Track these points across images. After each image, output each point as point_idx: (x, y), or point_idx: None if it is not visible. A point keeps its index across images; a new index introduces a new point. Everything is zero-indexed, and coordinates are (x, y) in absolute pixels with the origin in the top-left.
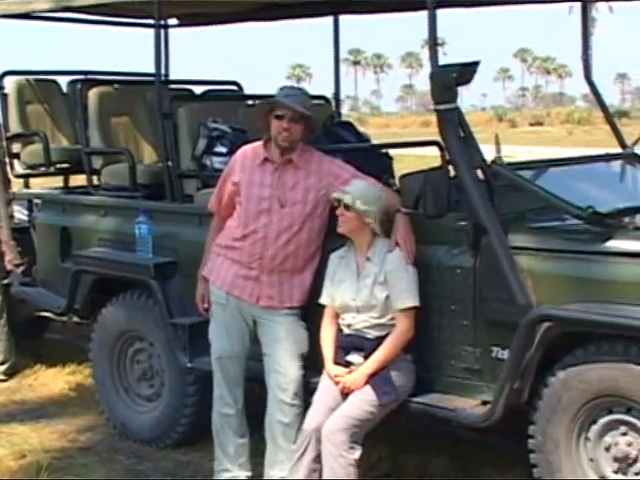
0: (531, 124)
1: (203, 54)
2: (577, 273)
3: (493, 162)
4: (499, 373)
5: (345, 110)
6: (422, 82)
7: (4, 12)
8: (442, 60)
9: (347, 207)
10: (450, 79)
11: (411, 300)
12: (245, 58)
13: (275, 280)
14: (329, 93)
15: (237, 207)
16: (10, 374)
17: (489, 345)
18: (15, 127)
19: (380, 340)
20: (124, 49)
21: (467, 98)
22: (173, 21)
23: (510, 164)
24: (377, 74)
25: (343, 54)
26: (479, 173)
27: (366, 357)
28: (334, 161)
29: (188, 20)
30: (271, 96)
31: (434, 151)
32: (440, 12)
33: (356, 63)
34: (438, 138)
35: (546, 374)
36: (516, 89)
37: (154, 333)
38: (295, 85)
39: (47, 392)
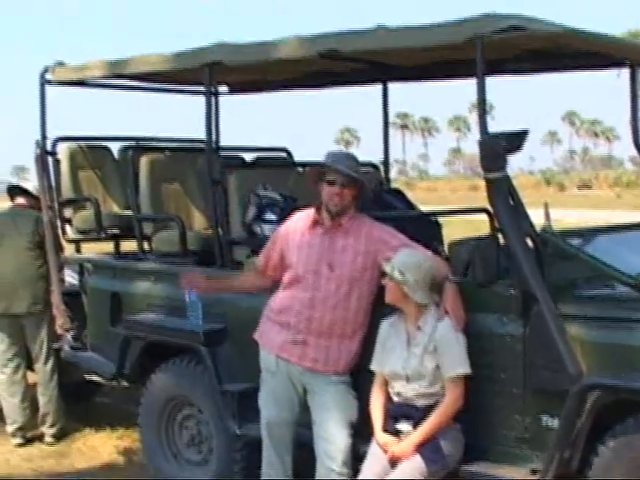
0: (579, 187)
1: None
2: (627, 341)
3: (543, 230)
4: (549, 442)
5: (393, 174)
6: (470, 146)
7: (60, 79)
8: (490, 124)
9: (388, 276)
10: (499, 147)
11: (461, 368)
12: (293, 122)
13: (322, 344)
14: (378, 157)
15: (286, 271)
16: (59, 437)
17: (539, 413)
18: (67, 192)
19: (429, 409)
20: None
21: (515, 161)
22: (224, 88)
23: (560, 232)
24: (425, 138)
25: (391, 118)
26: (528, 241)
27: (415, 426)
28: (384, 227)
29: (238, 87)
30: (321, 163)
31: (482, 215)
32: (488, 78)
33: (404, 127)
34: (487, 205)
35: (596, 443)
36: (564, 152)
37: (203, 399)
38: (343, 150)
39: (96, 456)
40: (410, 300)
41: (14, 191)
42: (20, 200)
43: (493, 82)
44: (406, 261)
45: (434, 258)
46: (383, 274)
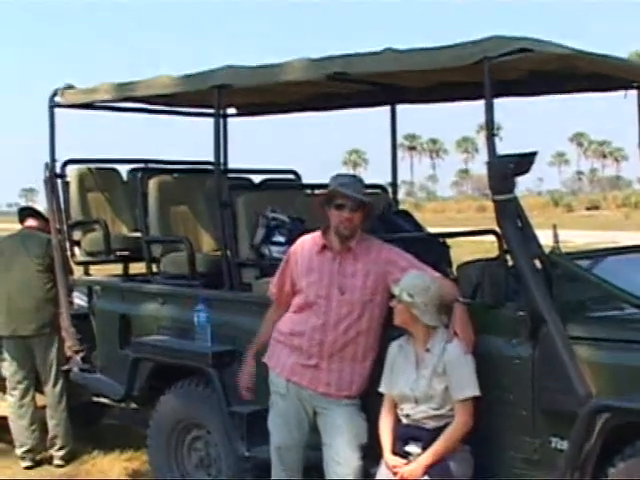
0: (587, 208)
1: (258, 140)
2: (636, 363)
3: (551, 252)
4: (558, 464)
5: (401, 195)
6: (478, 167)
7: (69, 102)
8: (498, 145)
9: (397, 299)
10: (508, 169)
11: (470, 390)
12: (300, 143)
13: (335, 368)
14: (386, 178)
15: (297, 295)
16: (68, 460)
17: (548, 435)
18: (76, 214)
19: (439, 431)
20: (182, 137)
21: (523, 182)
22: (232, 111)
23: (568, 254)
24: (433, 159)
25: (399, 139)
26: (537, 263)
27: (424, 448)
28: (393, 249)
29: (246, 110)
30: (331, 190)
31: (490, 237)
32: (496, 99)
33: (412, 148)
34: (495, 226)
35: (606, 465)
36: (572, 173)
37: (212, 421)
38: (348, 172)
39: (104, 478)
40: (419, 322)
41: (25, 213)
42: (30, 222)
43: (501, 102)
44: (414, 283)
45: (442, 280)
46: (392, 296)
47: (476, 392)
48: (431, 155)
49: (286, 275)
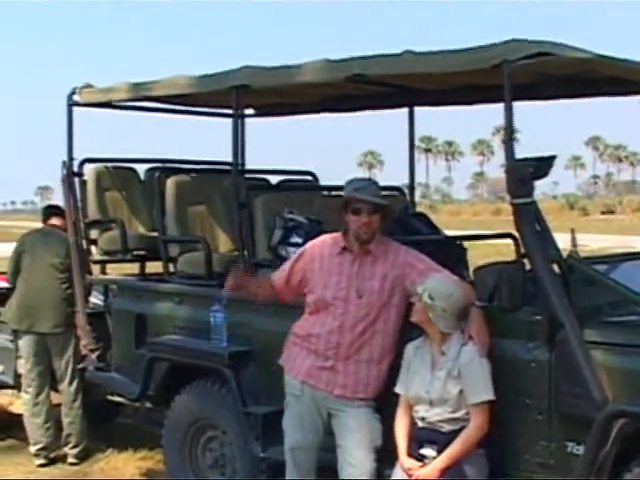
0: (603, 212)
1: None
2: None
3: (569, 256)
4: (574, 469)
5: (416, 197)
6: (493, 170)
7: (86, 101)
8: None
9: (418, 297)
10: (526, 173)
11: (485, 394)
12: (315, 144)
13: (351, 370)
14: (401, 180)
15: (313, 296)
16: (82, 458)
17: (564, 440)
18: (93, 213)
19: (454, 434)
20: (199, 137)
21: (538, 186)
22: (250, 111)
23: (586, 258)
24: (448, 161)
25: (415, 141)
26: (555, 267)
27: (440, 451)
28: (410, 252)
29: (264, 110)
30: (348, 196)
31: (505, 240)
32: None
33: (427, 150)
34: (512, 230)
35: (622, 470)
36: (588, 177)
37: (227, 421)
38: (363, 176)
39: (118, 477)
40: (434, 324)
41: (49, 211)
42: (54, 221)
43: (517, 106)
44: (438, 288)
45: (464, 286)
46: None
47: (491, 396)
48: (446, 157)
49: (297, 269)
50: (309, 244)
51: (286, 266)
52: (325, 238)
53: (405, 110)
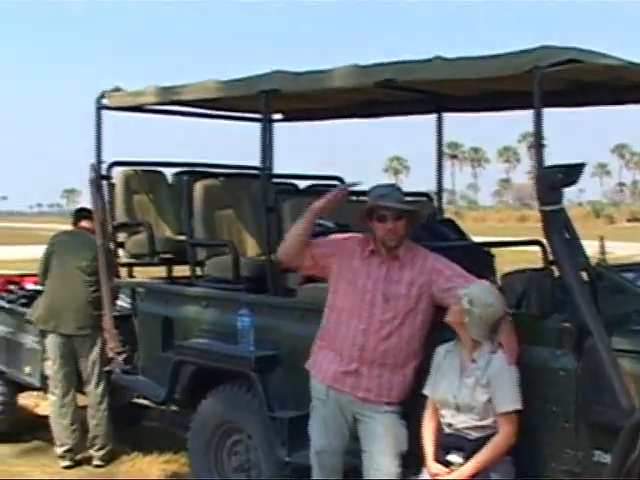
0: (629, 220)
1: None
2: None
3: (597, 264)
4: (601, 477)
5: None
6: (519, 176)
7: (116, 104)
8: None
9: (458, 299)
10: (556, 180)
11: (514, 404)
12: (341, 149)
13: (375, 374)
14: (427, 186)
15: (335, 295)
16: (107, 460)
17: (591, 448)
18: (121, 216)
19: (481, 441)
20: (226, 141)
21: (564, 193)
22: (278, 116)
23: (614, 266)
24: (474, 168)
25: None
26: (583, 274)
27: (466, 458)
28: (438, 258)
29: (292, 115)
30: (374, 204)
31: (531, 247)
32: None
33: (454, 157)
34: (539, 236)
35: None
36: (614, 185)
37: (253, 425)
38: (386, 183)
39: (143, 479)
40: (467, 329)
41: (81, 214)
42: (84, 223)
43: (544, 113)
44: (478, 295)
45: (501, 298)
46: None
47: (519, 406)
48: (472, 164)
49: (328, 247)
50: (347, 235)
51: (325, 239)
52: (360, 237)
53: (431, 116)
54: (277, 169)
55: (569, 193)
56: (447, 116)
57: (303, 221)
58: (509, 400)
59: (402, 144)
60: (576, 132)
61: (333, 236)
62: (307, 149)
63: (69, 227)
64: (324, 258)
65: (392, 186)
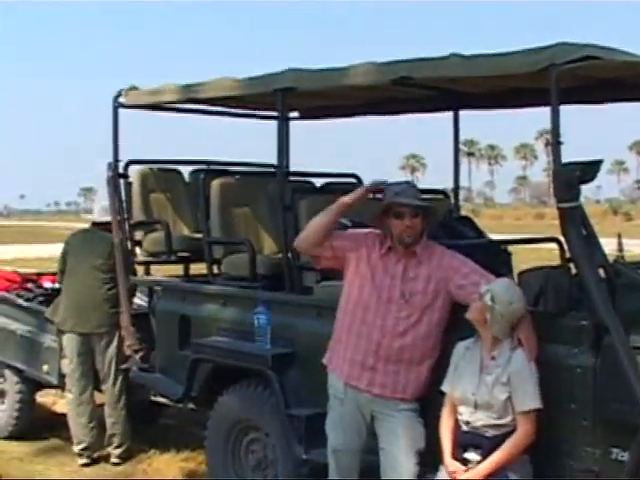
0: None
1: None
2: None
3: (615, 261)
4: (619, 475)
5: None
6: (536, 174)
7: (134, 102)
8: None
9: (480, 296)
10: (573, 177)
11: (534, 402)
12: (357, 147)
13: (391, 370)
14: (445, 184)
15: (352, 289)
16: (125, 458)
17: (609, 446)
18: (138, 215)
19: (499, 439)
20: (242, 138)
21: (581, 190)
22: (294, 114)
23: (632, 263)
24: (491, 165)
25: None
26: (601, 272)
27: (484, 456)
28: (455, 255)
29: (309, 113)
30: (391, 201)
31: (548, 244)
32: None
33: (470, 154)
34: (556, 234)
35: None
36: (631, 182)
37: (270, 423)
38: (401, 180)
39: (160, 477)
40: (488, 327)
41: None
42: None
43: (561, 110)
44: (501, 292)
45: (522, 296)
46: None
47: (539, 404)
48: (489, 161)
49: (347, 242)
50: (366, 231)
51: (346, 232)
52: (378, 234)
53: (448, 114)
54: (294, 167)
55: (587, 190)
56: (464, 113)
57: (329, 212)
58: (529, 399)
59: (419, 142)
60: (593, 129)
61: (353, 230)
62: (324, 146)
63: (86, 225)
64: (344, 251)
65: (408, 183)
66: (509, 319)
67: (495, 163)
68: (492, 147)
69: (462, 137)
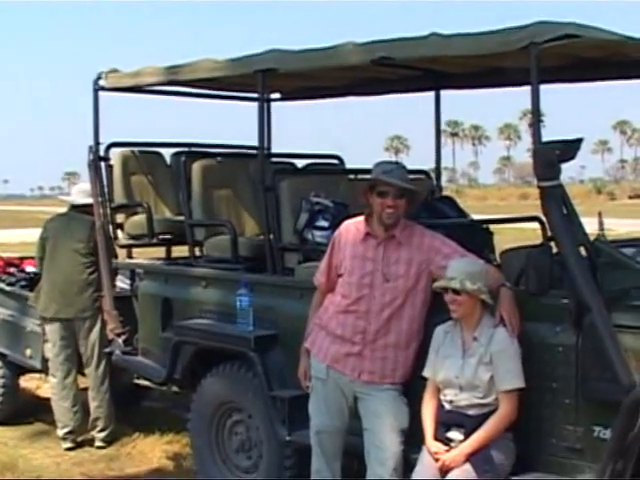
0: (630, 197)
1: (299, 125)
2: None
3: (596, 239)
4: (601, 453)
5: (443, 182)
6: (520, 154)
7: (114, 85)
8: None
9: (456, 292)
10: (553, 156)
11: (516, 381)
12: (341, 128)
13: (378, 355)
14: (428, 165)
15: (339, 281)
16: (109, 441)
17: (591, 424)
18: (119, 198)
19: (482, 418)
20: (224, 120)
21: (565, 170)
22: (276, 95)
23: (613, 241)
24: (475, 146)
25: (441, 125)
26: (582, 250)
27: (467, 434)
28: (436, 235)
29: (290, 94)
30: (375, 178)
31: (531, 224)
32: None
33: (454, 135)
34: (539, 213)
35: None
36: (615, 161)
37: (253, 405)
38: (391, 159)
39: (145, 461)
40: (476, 311)
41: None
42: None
43: (543, 89)
44: (472, 271)
45: (488, 265)
46: (445, 289)
47: (521, 384)
48: (473, 142)
49: (332, 263)
50: (335, 234)
51: (322, 264)
52: (348, 225)
53: (431, 94)
54: (276, 148)
55: (570, 170)
56: (447, 94)
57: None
58: (512, 378)
59: (404, 122)
60: (577, 109)
61: (329, 246)
62: (307, 129)
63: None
64: (337, 270)
65: (397, 164)
66: (489, 285)
67: (479, 144)
68: (476, 127)
69: (446, 118)
